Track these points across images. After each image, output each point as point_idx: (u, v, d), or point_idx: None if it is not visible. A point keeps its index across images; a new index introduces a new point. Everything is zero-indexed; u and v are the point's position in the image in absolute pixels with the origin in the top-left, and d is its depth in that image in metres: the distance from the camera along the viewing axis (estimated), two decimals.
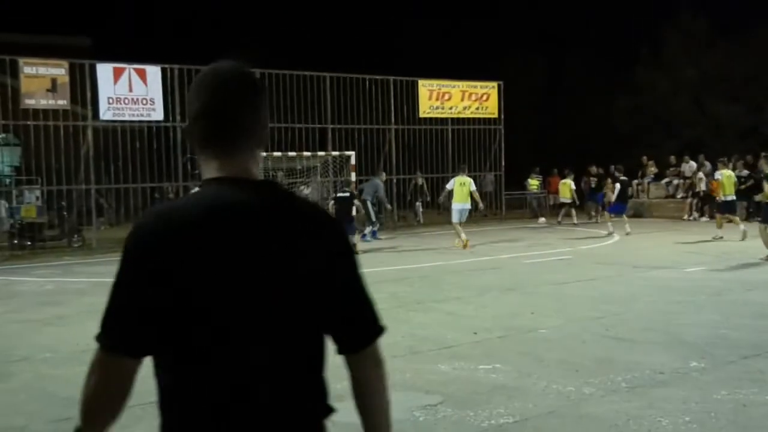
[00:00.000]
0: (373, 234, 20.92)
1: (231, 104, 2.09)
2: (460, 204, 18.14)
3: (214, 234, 1.86)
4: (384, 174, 22.17)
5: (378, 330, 2.18)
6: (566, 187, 25.83)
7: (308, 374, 2.07)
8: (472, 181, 18.73)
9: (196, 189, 2.05)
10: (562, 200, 26.38)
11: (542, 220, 26.80)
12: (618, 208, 21.44)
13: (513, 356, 7.57)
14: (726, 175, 19.60)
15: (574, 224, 25.12)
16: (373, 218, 20.62)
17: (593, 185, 26.86)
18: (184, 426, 1.92)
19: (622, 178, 22.08)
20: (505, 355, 7.63)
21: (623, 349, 7.78)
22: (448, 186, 18.78)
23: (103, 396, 1.86)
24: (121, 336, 1.83)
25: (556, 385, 6.53)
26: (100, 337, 1.83)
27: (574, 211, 25.86)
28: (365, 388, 2.17)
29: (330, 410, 2.11)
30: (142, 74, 20.74)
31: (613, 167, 24.41)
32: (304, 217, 2.07)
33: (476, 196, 18.65)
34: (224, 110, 2.07)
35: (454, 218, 18.13)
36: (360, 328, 2.17)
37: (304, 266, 1.99)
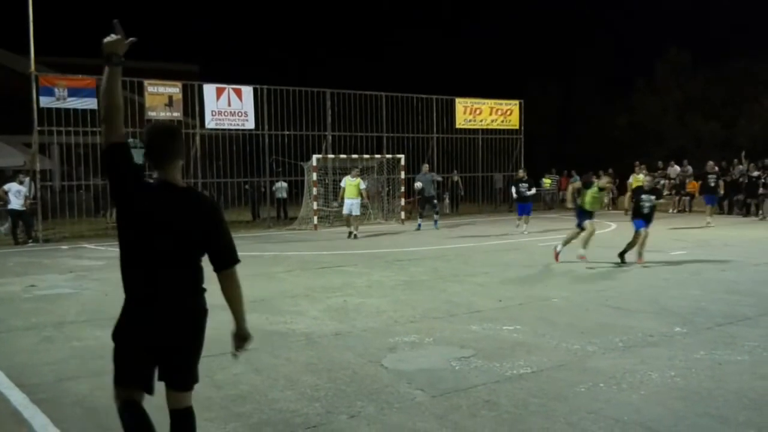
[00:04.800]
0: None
1: (154, 141, 3.23)
2: (350, 199, 17.43)
3: (148, 195, 3.12)
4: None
5: (232, 261, 3.18)
6: (637, 182, 23.12)
7: (184, 271, 3.12)
8: (361, 181, 17.86)
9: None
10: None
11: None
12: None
13: (530, 320, 7.51)
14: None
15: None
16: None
17: (712, 184, 20.89)
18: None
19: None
20: (524, 318, 7.58)
21: (620, 316, 7.68)
22: (342, 184, 17.89)
23: None
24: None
25: (565, 343, 6.47)
26: None
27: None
28: (224, 290, 3.19)
29: (203, 290, 3.20)
30: (238, 93, 20.93)
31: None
32: (190, 197, 3.17)
33: (364, 193, 18.09)
34: (153, 145, 3.22)
35: (345, 211, 17.59)
36: (221, 259, 3.17)
37: (183, 220, 3.08)
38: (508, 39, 45.26)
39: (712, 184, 20.84)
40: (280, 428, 4.45)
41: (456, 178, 26.77)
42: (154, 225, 3.05)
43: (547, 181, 30.14)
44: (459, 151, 25.91)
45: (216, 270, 3.15)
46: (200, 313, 3.19)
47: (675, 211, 25.58)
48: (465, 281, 10.29)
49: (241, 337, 3.27)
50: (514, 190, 18.24)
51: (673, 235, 16.92)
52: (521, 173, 18.47)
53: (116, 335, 3.17)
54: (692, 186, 26.20)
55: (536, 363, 5.82)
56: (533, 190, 18.42)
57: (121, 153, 3.13)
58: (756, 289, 9.35)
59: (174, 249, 3.06)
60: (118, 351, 3.16)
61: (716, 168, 21.57)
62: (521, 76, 40.55)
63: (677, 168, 26.76)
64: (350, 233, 17.28)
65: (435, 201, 20.10)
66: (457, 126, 25.69)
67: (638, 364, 5.76)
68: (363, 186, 17.95)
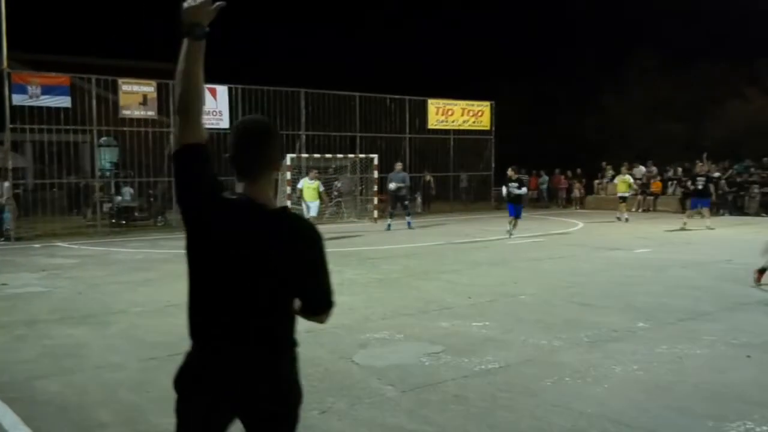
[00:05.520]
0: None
1: (242, 143, 2.37)
2: (310, 202, 16.75)
3: (228, 217, 2.28)
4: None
5: (326, 306, 2.48)
6: (624, 183, 21.90)
7: (268, 321, 2.33)
8: (320, 183, 17.12)
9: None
10: (620, 195, 21.68)
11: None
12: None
13: (499, 316, 7.60)
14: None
15: (626, 219, 20.95)
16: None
17: (700, 186, 18.73)
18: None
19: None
20: (493, 315, 7.66)
21: (585, 312, 7.80)
22: (299, 185, 17.20)
23: None
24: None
25: (533, 339, 6.56)
26: None
27: (624, 206, 21.43)
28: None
29: (293, 344, 2.46)
30: (213, 92, 20.79)
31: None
32: (285, 224, 2.31)
33: (324, 195, 17.44)
34: (239, 148, 2.37)
35: (306, 213, 16.37)
36: (313, 304, 2.46)
37: (272, 253, 2.25)
38: (479, 40, 45.55)
39: (701, 187, 18.77)
40: None
41: (428, 178, 26.86)
42: (232, 258, 2.24)
43: None
44: (431, 152, 26.02)
45: (303, 313, 2.46)
46: (286, 380, 2.41)
47: (640, 210, 25.94)
48: (436, 279, 10.36)
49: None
50: (504, 189, 17.25)
51: (636, 233, 17.16)
52: (511, 172, 17.08)
53: (179, 383, 2.34)
54: (656, 186, 26.68)
55: (504, 358, 5.90)
56: (524, 190, 17.36)
57: (198, 159, 2.34)
58: (716, 285, 9.55)
59: (255, 291, 2.27)
60: (183, 409, 2.32)
61: (706, 169, 19.65)
62: (492, 77, 40.81)
63: (642, 168, 27.26)
64: None
65: (406, 201, 19.75)
66: (430, 126, 25.78)
67: (603, 358, 5.86)
68: (323, 188, 17.22)
